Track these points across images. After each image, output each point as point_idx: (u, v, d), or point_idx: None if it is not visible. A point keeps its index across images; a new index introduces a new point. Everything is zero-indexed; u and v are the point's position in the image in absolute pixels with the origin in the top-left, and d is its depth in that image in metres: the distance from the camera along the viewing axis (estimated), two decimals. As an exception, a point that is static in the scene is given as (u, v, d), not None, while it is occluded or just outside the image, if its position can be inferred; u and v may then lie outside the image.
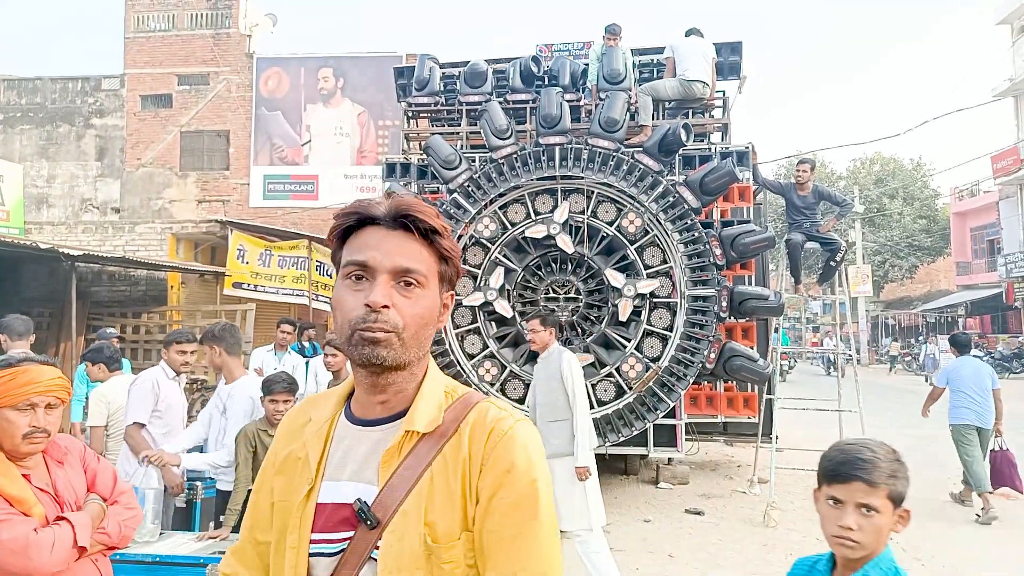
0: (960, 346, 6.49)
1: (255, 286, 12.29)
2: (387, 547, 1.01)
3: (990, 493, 5.96)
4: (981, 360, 7.09)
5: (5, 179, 11.56)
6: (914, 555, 5.46)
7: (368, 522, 1.01)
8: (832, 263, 7.21)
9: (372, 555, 1.01)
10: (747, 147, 6.91)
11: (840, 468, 1.52)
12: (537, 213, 6.58)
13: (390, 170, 7.35)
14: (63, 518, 1.79)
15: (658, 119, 7.23)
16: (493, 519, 1.00)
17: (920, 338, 30.32)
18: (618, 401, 6.39)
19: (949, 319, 31.29)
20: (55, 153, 20.17)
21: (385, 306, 1.01)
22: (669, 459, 7.36)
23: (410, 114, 8.12)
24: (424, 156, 6.99)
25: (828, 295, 7.79)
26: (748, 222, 6.69)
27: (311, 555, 1.04)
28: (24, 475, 1.78)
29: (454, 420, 1.07)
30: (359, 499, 1.03)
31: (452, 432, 1.06)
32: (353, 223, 1.08)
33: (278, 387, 3.52)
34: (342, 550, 1.03)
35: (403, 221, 1.05)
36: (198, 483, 4.33)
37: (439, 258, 1.09)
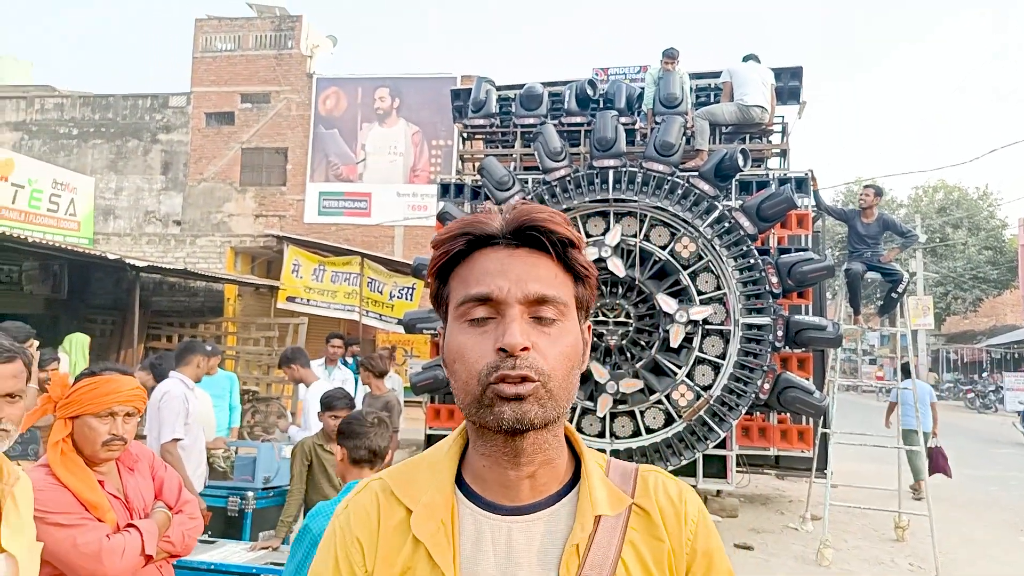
0: (905, 372, 8.03)
1: (308, 300, 12.56)
2: None
3: (923, 481, 7.25)
4: (924, 382, 9.52)
5: (79, 191, 12.13)
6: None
7: None
8: (894, 294, 6.98)
9: None
10: (807, 173, 6.78)
11: None
12: (589, 236, 6.56)
13: (444, 190, 7.44)
14: (133, 525, 1.84)
15: (715, 144, 7.16)
16: None
17: (984, 374, 29.06)
18: (667, 429, 6.27)
19: (1016, 355, 29.92)
20: (123, 167, 21.09)
21: (525, 348, 0.78)
22: (718, 491, 7.19)
23: (465, 135, 8.23)
24: (478, 177, 7.06)
25: (887, 327, 7.52)
26: (806, 250, 6.54)
27: None
28: (99, 480, 1.85)
29: (626, 494, 0.87)
30: None
31: (628, 510, 0.86)
32: (462, 247, 0.85)
33: (339, 404, 3.60)
34: None
35: (530, 235, 0.83)
36: (249, 493, 4.44)
37: (574, 279, 0.86)
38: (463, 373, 0.81)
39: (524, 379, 0.78)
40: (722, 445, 6.32)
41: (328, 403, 3.64)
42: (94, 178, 15.08)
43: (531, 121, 7.44)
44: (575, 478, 0.87)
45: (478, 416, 0.81)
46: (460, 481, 0.86)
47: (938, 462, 8.06)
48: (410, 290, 12.49)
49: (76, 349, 7.04)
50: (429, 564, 0.80)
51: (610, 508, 0.84)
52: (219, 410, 5.70)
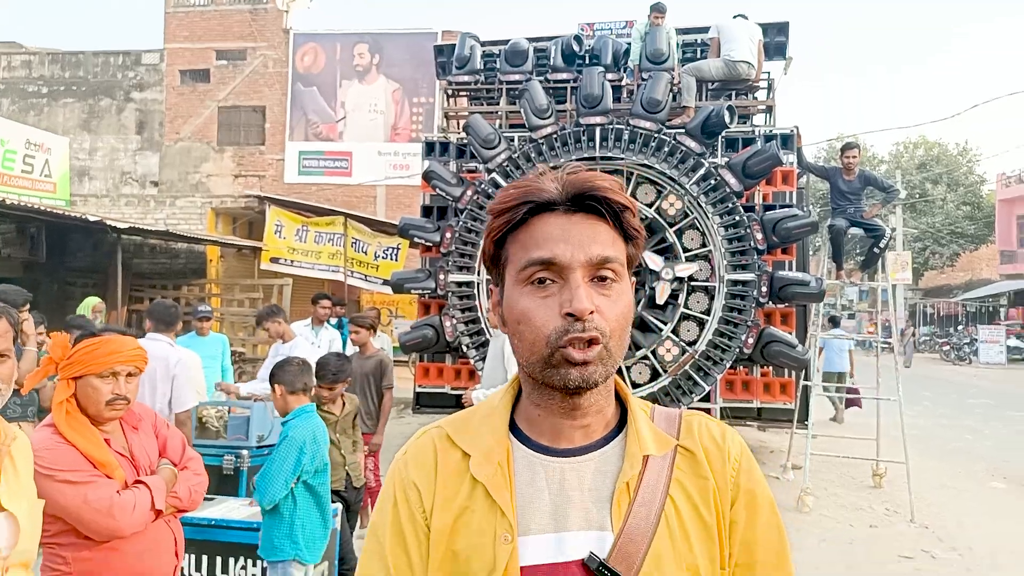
0: (833, 323, 10.72)
1: (292, 261, 12.49)
2: None
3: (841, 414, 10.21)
4: (843, 332, 11.42)
5: (52, 152, 11.85)
6: (937, 534, 5.43)
7: None
8: (876, 249, 7.09)
9: None
10: (792, 130, 6.80)
11: None
12: (576, 194, 6.55)
13: (429, 148, 7.38)
14: (141, 482, 1.88)
15: (702, 100, 7.14)
16: (750, 552, 0.90)
17: (960, 327, 29.70)
18: (653, 384, 6.39)
19: (991, 308, 30.57)
20: (96, 127, 20.57)
21: (591, 312, 0.82)
22: (702, 442, 7.36)
23: (450, 92, 8.13)
24: (463, 135, 7.00)
25: (867, 282, 7.66)
26: (791, 206, 6.60)
27: None
28: (105, 439, 1.88)
29: (671, 436, 0.91)
30: (591, 553, 0.82)
31: (674, 451, 0.90)
32: (525, 215, 0.86)
33: (328, 376, 3.78)
34: None
35: (590, 203, 0.86)
36: (244, 451, 4.50)
37: (625, 240, 0.89)
38: (529, 335, 0.84)
39: (591, 342, 0.82)
40: (706, 399, 6.46)
41: (320, 374, 3.76)
42: (68, 138, 14.70)
43: (516, 77, 7.36)
44: (622, 423, 0.92)
45: (543, 375, 0.85)
46: (513, 428, 0.91)
47: (854, 398, 9.49)
48: (395, 250, 12.45)
49: (86, 311, 7.07)
50: (487, 502, 0.85)
51: (656, 449, 0.88)
52: (211, 371, 5.71)
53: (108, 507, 1.76)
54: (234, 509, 3.25)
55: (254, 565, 3.10)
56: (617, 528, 0.83)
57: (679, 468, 0.89)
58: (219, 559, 3.11)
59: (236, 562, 3.09)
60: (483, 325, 6.63)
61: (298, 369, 3.04)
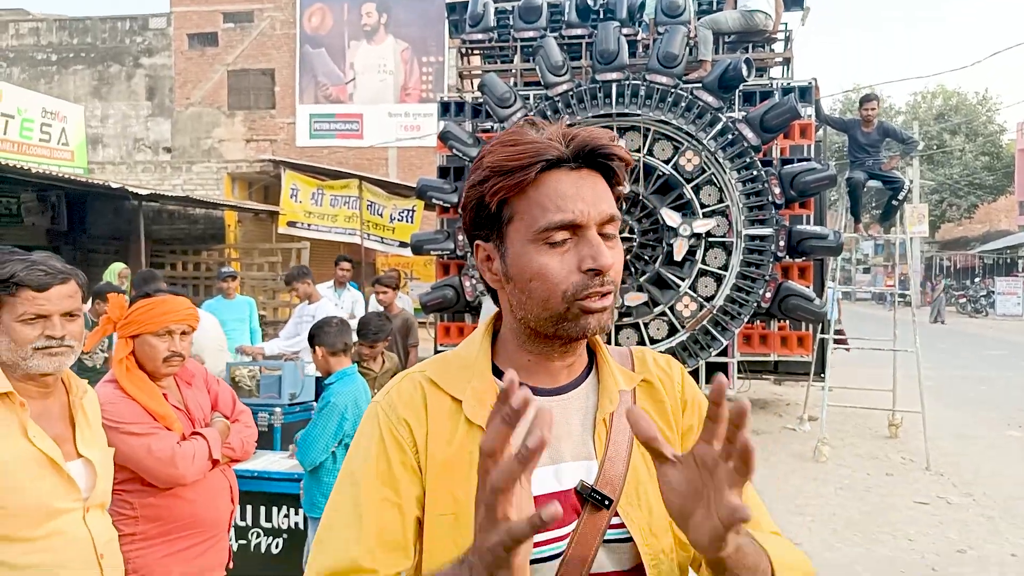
0: None
1: (308, 225, 12.57)
2: (634, 521, 0.89)
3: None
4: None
5: (68, 120, 11.91)
6: (952, 481, 5.54)
7: (606, 502, 0.88)
8: (895, 202, 7.06)
9: (606, 539, 0.88)
10: (810, 82, 6.72)
11: None
12: (593, 151, 6.55)
13: (444, 109, 7.36)
14: (198, 433, 1.99)
15: (718, 53, 7.05)
16: None
17: (976, 279, 29.47)
18: (671, 339, 6.47)
19: (1008, 260, 30.26)
20: (107, 93, 20.56)
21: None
22: (719, 396, 7.47)
23: (463, 51, 8.06)
24: (478, 94, 6.98)
25: (885, 235, 7.65)
26: (809, 159, 6.57)
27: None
28: (163, 394, 1.99)
29: (633, 373, 1.01)
30: (581, 481, 0.89)
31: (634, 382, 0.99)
32: (533, 174, 0.87)
33: (371, 335, 3.88)
34: (563, 551, 0.87)
35: (590, 157, 0.88)
36: (277, 408, 4.66)
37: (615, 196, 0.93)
38: (542, 292, 0.87)
39: (610, 293, 0.88)
40: (724, 353, 6.54)
41: (362, 333, 3.89)
42: (83, 106, 14.74)
43: (531, 34, 7.28)
44: (590, 363, 1.00)
45: (557, 328, 0.89)
46: (496, 373, 0.95)
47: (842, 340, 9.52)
48: (410, 212, 12.50)
49: (112, 277, 7.26)
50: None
51: (626, 383, 0.97)
52: (239, 334, 5.87)
53: (170, 456, 1.87)
54: (275, 462, 3.40)
55: (296, 513, 3.26)
56: (600, 457, 0.90)
57: (641, 398, 0.98)
58: (263, 508, 3.28)
59: (280, 511, 3.25)
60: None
61: (337, 329, 3.08)
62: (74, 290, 1.61)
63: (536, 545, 0.85)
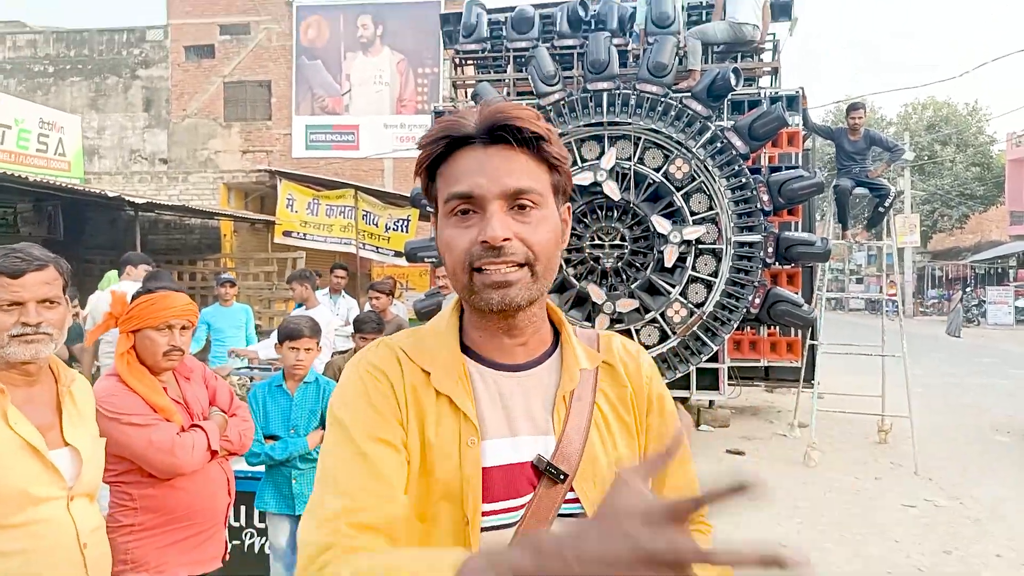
0: None
1: (304, 235, 12.65)
2: (587, 496, 0.92)
3: None
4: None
5: (65, 130, 11.99)
6: (940, 484, 5.61)
7: (561, 477, 0.91)
8: (880, 209, 7.17)
9: (560, 513, 0.91)
10: (797, 91, 6.85)
11: None
12: (584, 160, 6.66)
13: (439, 118, 7.46)
14: (197, 425, 2.06)
15: (707, 63, 7.18)
16: (660, 441, 1.02)
17: (968, 289, 29.64)
18: (662, 345, 6.56)
19: (999, 270, 30.48)
20: (104, 105, 20.64)
21: (506, 239, 0.88)
22: (711, 402, 7.55)
23: (457, 61, 8.18)
24: (472, 104, 7.08)
25: (873, 242, 7.76)
26: (797, 167, 6.69)
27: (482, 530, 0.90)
28: (163, 387, 2.06)
29: (596, 353, 1.04)
30: (539, 455, 0.92)
31: (597, 366, 1.02)
32: (443, 149, 0.92)
33: (368, 327, 3.94)
34: (518, 520, 0.91)
35: (501, 134, 0.89)
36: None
37: (549, 168, 0.93)
38: (451, 263, 0.92)
39: (510, 266, 0.89)
40: (714, 359, 6.62)
41: (359, 327, 3.97)
42: (79, 116, 14.82)
43: (523, 45, 7.41)
44: (555, 343, 1.03)
45: (470, 300, 0.93)
46: (463, 348, 0.98)
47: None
48: (405, 222, 12.59)
49: (107, 286, 7.37)
50: (452, 411, 0.92)
51: (589, 363, 1.01)
52: (236, 341, 5.91)
53: (170, 447, 1.94)
54: (269, 462, 3.45)
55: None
56: (558, 433, 0.94)
57: (602, 379, 1.01)
58: (256, 509, 3.32)
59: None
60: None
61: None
62: (52, 277, 1.60)
63: (492, 513, 0.89)
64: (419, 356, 0.96)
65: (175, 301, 2.02)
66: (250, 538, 3.44)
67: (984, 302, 25.50)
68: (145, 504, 2.01)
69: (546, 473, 0.91)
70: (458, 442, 0.90)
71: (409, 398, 0.93)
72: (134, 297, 2.05)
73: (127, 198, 9.45)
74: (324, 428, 2.71)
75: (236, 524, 3.41)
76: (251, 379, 5.33)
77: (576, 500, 0.93)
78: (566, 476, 0.91)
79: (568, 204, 0.99)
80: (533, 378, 0.97)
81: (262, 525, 3.40)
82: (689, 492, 0.87)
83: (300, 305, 5.79)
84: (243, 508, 3.36)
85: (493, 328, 0.96)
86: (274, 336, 4.36)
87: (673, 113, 6.38)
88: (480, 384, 0.95)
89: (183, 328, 2.04)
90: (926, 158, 31.29)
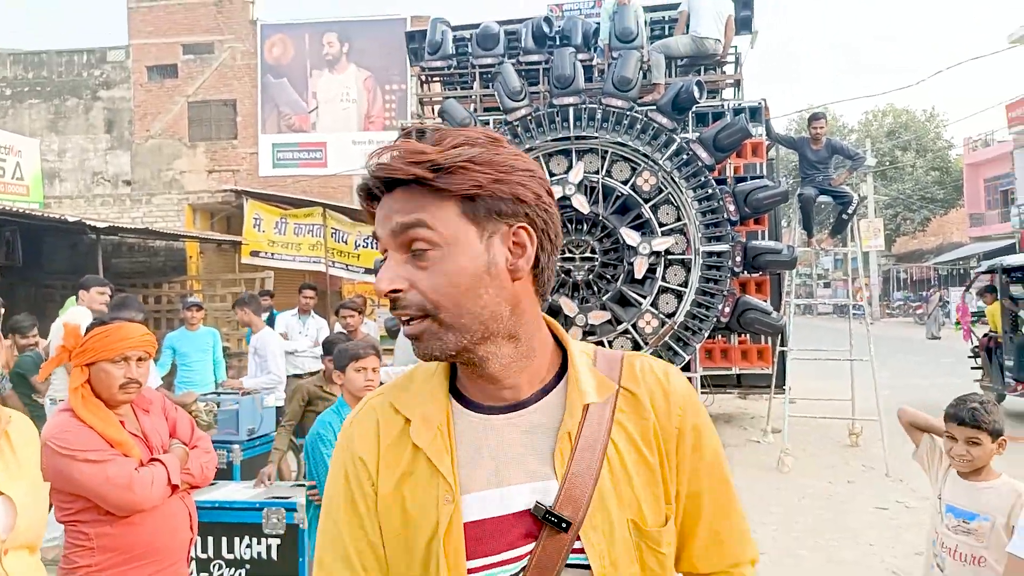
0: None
1: (272, 254, 12.49)
2: (593, 546, 0.84)
3: None
4: None
5: (23, 154, 11.72)
6: (911, 486, 5.69)
7: (563, 525, 0.83)
8: (844, 216, 7.31)
9: (568, 563, 0.84)
10: (760, 103, 6.97)
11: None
12: (552, 174, 6.68)
13: (405, 136, 7.44)
14: (157, 459, 1.99)
15: (671, 76, 7.27)
16: (698, 479, 0.92)
17: (932, 290, 30.31)
18: (635, 356, 6.57)
19: (962, 271, 31.23)
20: (64, 127, 20.23)
21: (396, 291, 0.82)
22: (685, 411, 7.57)
23: (423, 78, 8.18)
24: (439, 120, 7.08)
25: (840, 248, 7.89)
26: (761, 177, 6.79)
27: None
28: (120, 421, 1.99)
29: (612, 380, 0.91)
30: (537, 502, 0.84)
31: (615, 394, 0.90)
32: (367, 201, 0.89)
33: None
34: (521, 569, 0.83)
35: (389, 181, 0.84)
36: (235, 445, 4.59)
37: (461, 199, 0.82)
38: None
39: (412, 318, 0.83)
40: (687, 368, 6.65)
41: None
42: (38, 140, 14.51)
43: (489, 61, 7.43)
44: (564, 368, 0.91)
45: None
46: (454, 389, 0.91)
47: None
48: (375, 239, 12.50)
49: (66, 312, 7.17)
50: (429, 468, 0.85)
51: (598, 395, 0.88)
52: (203, 365, 5.79)
53: (128, 482, 1.87)
54: (236, 491, 3.37)
55: (259, 543, 3.23)
56: (561, 475, 0.84)
57: (621, 410, 0.89)
58: (224, 539, 3.24)
59: (241, 540, 3.22)
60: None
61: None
62: None
63: (482, 569, 0.83)
64: (403, 404, 0.90)
65: (131, 332, 1.96)
66: (219, 570, 3.35)
67: (948, 303, 26.08)
68: (102, 543, 1.93)
69: (545, 522, 0.83)
70: (436, 501, 0.84)
71: (383, 462, 0.88)
72: (88, 328, 1.98)
73: (88, 222, 9.24)
74: None
75: (204, 556, 3.32)
76: (218, 404, 5.21)
77: (582, 550, 0.84)
78: (568, 524, 0.83)
79: (521, 225, 0.85)
80: (527, 418, 0.88)
81: (231, 556, 3.31)
82: (715, 549, 0.94)
83: (251, 331, 5.72)
84: (210, 540, 3.28)
85: (467, 371, 0.89)
86: (250, 373, 4.24)
87: (639, 126, 6.44)
88: (466, 431, 0.87)
89: (139, 359, 1.98)
90: (888, 163, 32.06)
